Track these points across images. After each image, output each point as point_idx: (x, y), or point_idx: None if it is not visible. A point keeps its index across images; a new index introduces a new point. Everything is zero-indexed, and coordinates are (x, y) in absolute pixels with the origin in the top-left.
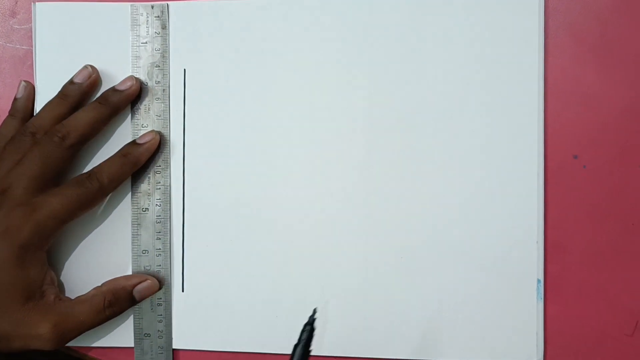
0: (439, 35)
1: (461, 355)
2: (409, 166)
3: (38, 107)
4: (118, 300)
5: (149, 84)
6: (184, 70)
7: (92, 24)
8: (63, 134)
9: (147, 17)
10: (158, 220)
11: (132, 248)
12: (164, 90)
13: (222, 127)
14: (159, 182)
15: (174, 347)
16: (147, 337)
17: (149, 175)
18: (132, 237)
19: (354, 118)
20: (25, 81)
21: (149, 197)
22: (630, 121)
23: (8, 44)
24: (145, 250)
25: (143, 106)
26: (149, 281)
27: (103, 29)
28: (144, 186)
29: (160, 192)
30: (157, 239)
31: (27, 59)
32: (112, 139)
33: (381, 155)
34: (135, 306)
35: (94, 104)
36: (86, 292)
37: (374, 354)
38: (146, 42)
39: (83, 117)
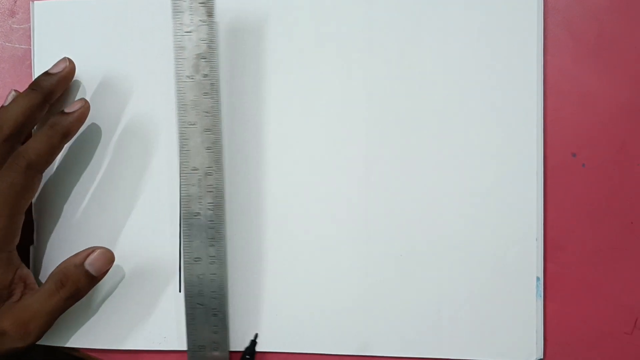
0: (437, 34)
1: (461, 353)
2: (408, 165)
3: None
4: (69, 278)
5: (196, 77)
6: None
7: (92, 21)
8: None
9: (191, 4)
10: (211, 226)
11: (184, 256)
12: (212, 84)
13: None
14: (211, 185)
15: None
16: (202, 350)
17: (199, 177)
18: (183, 245)
19: (352, 117)
20: (15, 90)
21: (200, 201)
22: (629, 119)
23: (7, 44)
24: (197, 258)
25: (190, 102)
26: (98, 250)
27: (102, 26)
28: (193, 189)
29: (212, 196)
30: (210, 246)
31: (26, 59)
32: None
33: (380, 154)
34: (190, 317)
35: (26, 91)
36: None
37: (372, 352)
38: (190, 32)
39: (14, 108)
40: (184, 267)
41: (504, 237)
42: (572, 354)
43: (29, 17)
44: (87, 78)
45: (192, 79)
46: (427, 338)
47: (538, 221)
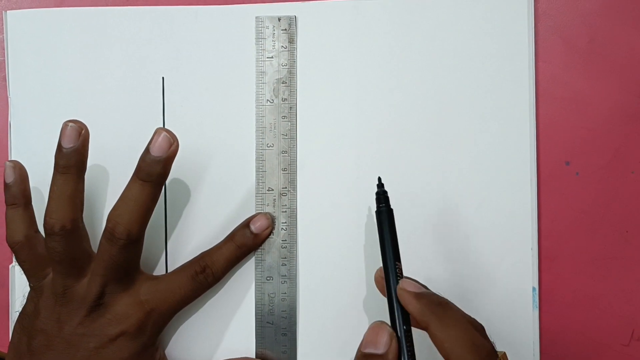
0: (428, 42)
1: None
2: (401, 174)
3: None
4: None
5: (275, 101)
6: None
7: (68, 30)
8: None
9: (274, 31)
10: (283, 245)
11: (256, 274)
12: (291, 108)
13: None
14: (285, 205)
15: None
16: None
17: (274, 198)
18: (256, 262)
19: (345, 120)
20: (9, 161)
21: (274, 221)
22: (622, 126)
23: None
24: (269, 277)
25: (269, 125)
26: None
27: (78, 35)
28: (268, 209)
29: (286, 216)
30: (282, 265)
31: (0, 70)
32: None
33: (372, 163)
34: (259, 335)
35: (139, 184)
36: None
37: None
38: (272, 57)
39: (133, 205)
40: (255, 286)
41: (498, 247)
42: None
43: (3, 27)
44: (72, 88)
45: (272, 102)
46: (423, 348)
47: (533, 230)
